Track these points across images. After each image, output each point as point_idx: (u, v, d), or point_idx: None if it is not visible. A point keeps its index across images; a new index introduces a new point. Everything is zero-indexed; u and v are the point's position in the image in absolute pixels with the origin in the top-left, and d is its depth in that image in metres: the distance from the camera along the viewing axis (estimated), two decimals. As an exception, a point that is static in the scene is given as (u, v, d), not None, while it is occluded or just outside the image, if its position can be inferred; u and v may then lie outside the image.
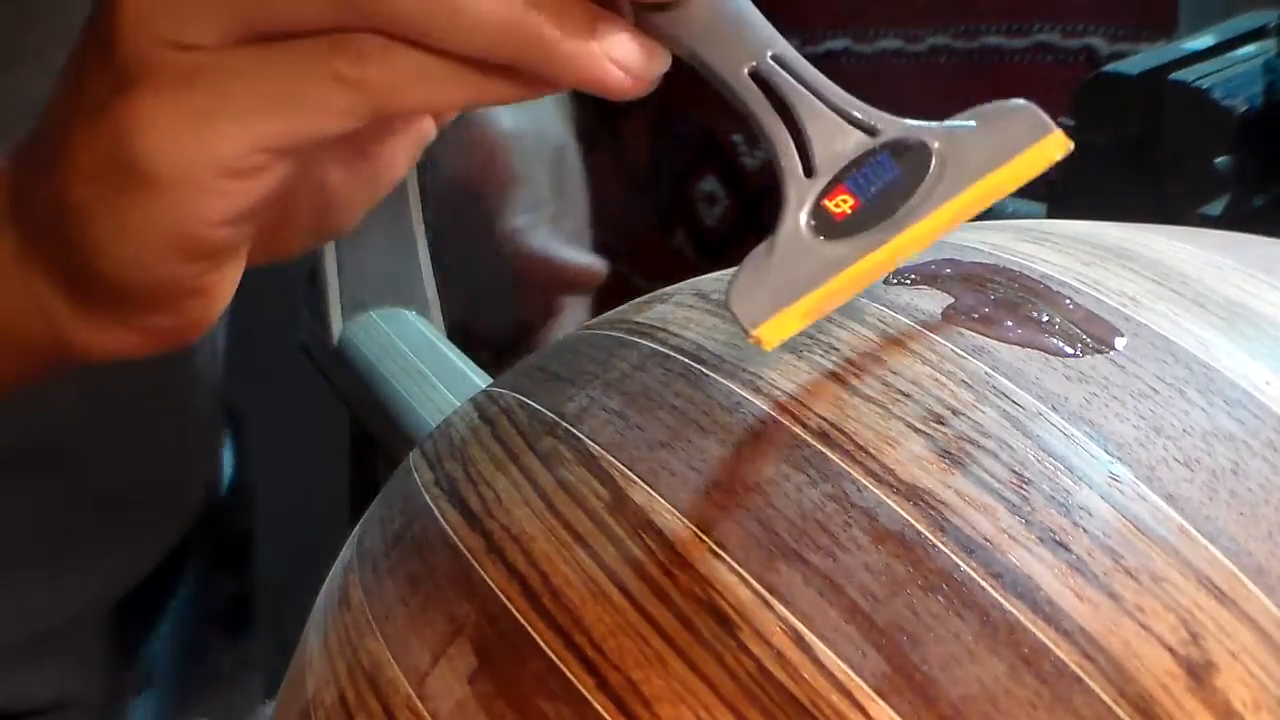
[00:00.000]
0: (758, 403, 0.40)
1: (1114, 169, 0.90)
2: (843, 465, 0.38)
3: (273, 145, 0.43)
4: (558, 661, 0.36)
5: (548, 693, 0.36)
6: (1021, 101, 0.42)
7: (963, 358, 0.40)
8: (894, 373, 0.40)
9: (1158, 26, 1.10)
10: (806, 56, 0.41)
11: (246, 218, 0.44)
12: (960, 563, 0.35)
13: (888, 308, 0.43)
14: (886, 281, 0.44)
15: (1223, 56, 0.96)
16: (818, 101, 0.41)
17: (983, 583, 0.34)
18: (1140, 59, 0.95)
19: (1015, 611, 0.34)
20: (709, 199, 1.14)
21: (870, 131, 0.41)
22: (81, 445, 0.74)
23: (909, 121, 0.41)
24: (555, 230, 0.79)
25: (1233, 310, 0.41)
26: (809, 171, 0.40)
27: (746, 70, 0.41)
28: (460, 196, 0.80)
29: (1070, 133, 0.42)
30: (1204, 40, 0.98)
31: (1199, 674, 0.32)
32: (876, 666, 0.34)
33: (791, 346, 0.42)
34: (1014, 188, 0.41)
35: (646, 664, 0.35)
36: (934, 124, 0.41)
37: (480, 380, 0.73)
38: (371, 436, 0.74)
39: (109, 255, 0.45)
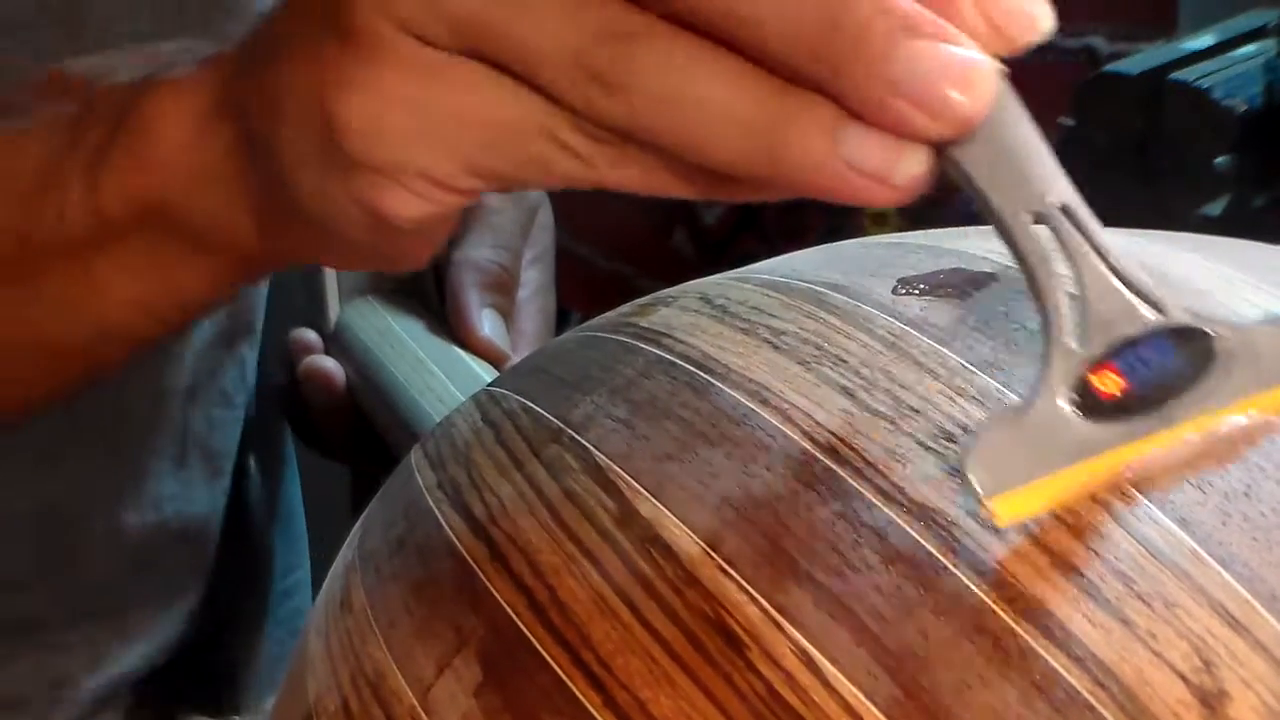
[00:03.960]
0: (766, 415, 0.40)
1: (1114, 169, 0.90)
2: (852, 483, 0.37)
3: (484, 173, 0.40)
4: (565, 678, 0.36)
5: (554, 709, 0.36)
6: None
7: (973, 373, 0.40)
8: (904, 387, 0.40)
9: (1158, 26, 1.10)
10: None
11: (443, 219, 0.42)
12: (972, 586, 0.35)
13: (897, 319, 0.43)
14: (895, 291, 0.44)
15: (1223, 56, 0.96)
16: (1102, 265, 0.36)
17: (994, 607, 0.34)
18: (1140, 59, 0.95)
19: (1027, 637, 0.34)
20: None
21: (1155, 308, 0.37)
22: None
23: (1199, 308, 0.38)
24: (528, 277, 0.78)
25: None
26: (1079, 341, 0.36)
27: (1027, 215, 0.36)
28: None
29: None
30: (1204, 40, 0.98)
31: (1212, 703, 0.32)
32: (887, 690, 0.33)
33: (799, 358, 0.42)
34: None
35: (654, 683, 0.35)
36: (1225, 318, 0.38)
37: (478, 368, 0.73)
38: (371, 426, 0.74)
39: (304, 193, 0.43)
